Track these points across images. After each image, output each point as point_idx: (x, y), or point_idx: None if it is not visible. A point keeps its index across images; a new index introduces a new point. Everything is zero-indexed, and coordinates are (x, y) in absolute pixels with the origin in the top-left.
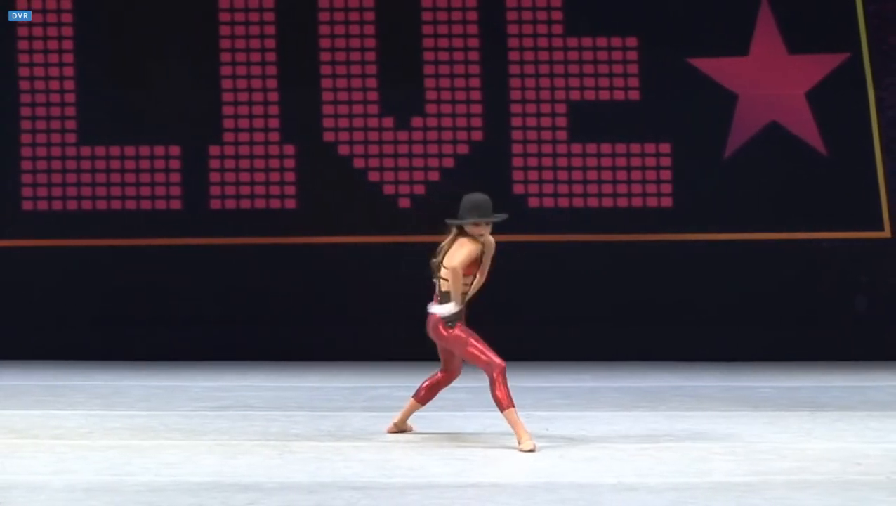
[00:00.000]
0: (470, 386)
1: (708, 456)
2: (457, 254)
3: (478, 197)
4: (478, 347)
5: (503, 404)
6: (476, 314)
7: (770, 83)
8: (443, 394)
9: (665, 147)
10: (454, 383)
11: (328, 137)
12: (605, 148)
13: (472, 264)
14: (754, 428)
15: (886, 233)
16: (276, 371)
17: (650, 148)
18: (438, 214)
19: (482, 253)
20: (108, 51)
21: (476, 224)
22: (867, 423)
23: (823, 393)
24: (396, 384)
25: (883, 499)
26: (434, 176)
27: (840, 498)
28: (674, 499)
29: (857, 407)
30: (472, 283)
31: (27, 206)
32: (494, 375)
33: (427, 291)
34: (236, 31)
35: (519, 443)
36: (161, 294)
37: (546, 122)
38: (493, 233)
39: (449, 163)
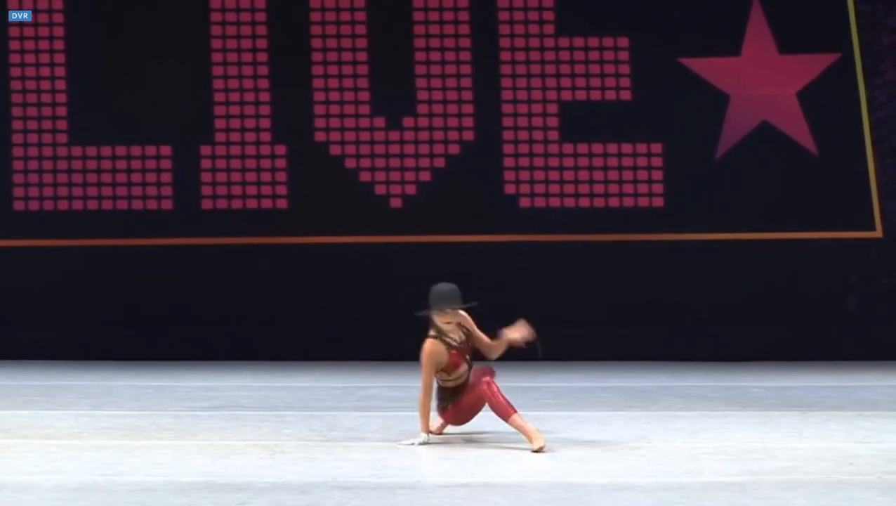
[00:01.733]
0: None
1: (699, 456)
2: (423, 367)
3: (442, 287)
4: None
5: (502, 413)
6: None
7: (761, 83)
8: (435, 394)
9: (657, 147)
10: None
11: (319, 136)
12: (597, 148)
13: (452, 361)
14: (745, 428)
15: (878, 233)
16: (267, 371)
17: (642, 148)
18: (430, 215)
19: (449, 349)
20: (100, 51)
21: (440, 313)
22: (858, 423)
23: (814, 393)
24: (387, 384)
25: (873, 499)
26: (425, 176)
27: (831, 498)
28: (664, 499)
29: (847, 407)
30: (464, 372)
31: (18, 206)
32: (484, 389)
33: (421, 290)
34: (228, 30)
35: (531, 443)
36: (152, 294)
37: (538, 122)
38: (485, 232)
39: (440, 163)
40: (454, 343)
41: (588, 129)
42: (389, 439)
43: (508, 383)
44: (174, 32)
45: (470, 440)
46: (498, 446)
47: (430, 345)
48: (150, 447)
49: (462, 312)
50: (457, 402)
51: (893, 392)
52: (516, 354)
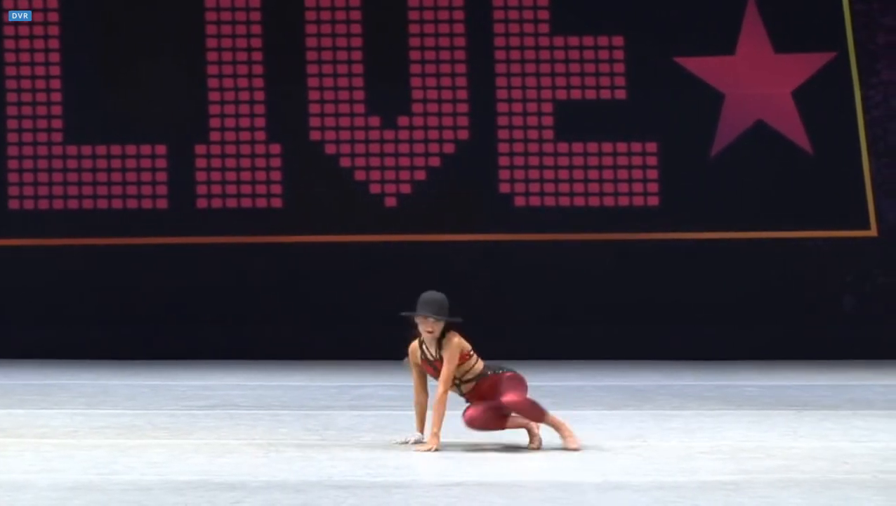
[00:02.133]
0: None
1: (694, 455)
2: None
3: (428, 295)
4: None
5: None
6: (462, 313)
7: (757, 82)
8: (430, 393)
9: (652, 146)
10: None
11: (314, 136)
12: (592, 147)
13: (427, 372)
14: (740, 427)
15: (873, 232)
16: (262, 370)
17: (637, 147)
18: (425, 214)
19: (423, 358)
20: (95, 50)
21: (423, 319)
22: (853, 422)
23: (810, 392)
24: (382, 383)
25: (869, 498)
26: (420, 175)
27: (826, 497)
28: (660, 498)
29: (843, 406)
30: (467, 370)
31: (13, 205)
32: (516, 400)
33: (416, 289)
34: (223, 30)
35: (530, 442)
36: (147, 293)
37: (532, 121)
38: (480, 231)
39: (435, 162)
40: (428, 355)
41: (583, 128)
42: (384, 437)
43: None
44: (169, 31)
45: (465, 440)
46: (493, 445)
47: (412, 351)
48: (146, 446)
49: (456, 343)
50: (472, 409)
51: (889, 391)
52: (513, 354)
